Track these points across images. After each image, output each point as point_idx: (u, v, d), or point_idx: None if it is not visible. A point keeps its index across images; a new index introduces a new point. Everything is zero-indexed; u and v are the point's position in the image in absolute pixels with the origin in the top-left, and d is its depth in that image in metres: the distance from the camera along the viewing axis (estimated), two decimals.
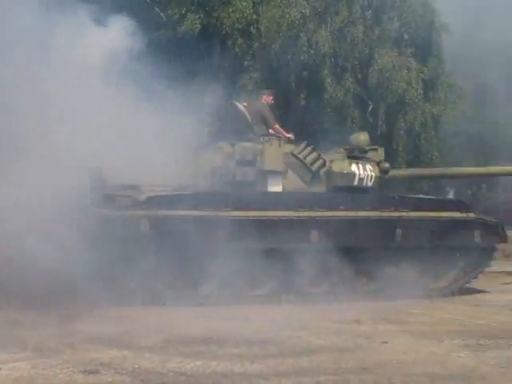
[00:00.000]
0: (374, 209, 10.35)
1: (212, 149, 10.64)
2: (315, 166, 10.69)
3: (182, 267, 9.22)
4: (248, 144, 10.55)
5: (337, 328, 8.02)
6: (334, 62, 18.70)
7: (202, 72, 14.29)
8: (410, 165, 17.93)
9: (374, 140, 13.42)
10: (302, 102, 18.60)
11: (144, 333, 7.34)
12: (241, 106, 11.09)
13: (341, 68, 18.65)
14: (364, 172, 10.99)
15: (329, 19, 18.63)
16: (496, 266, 12.34)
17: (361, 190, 10.91)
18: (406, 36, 19.11)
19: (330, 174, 10.79)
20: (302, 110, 17.98)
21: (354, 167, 10.91)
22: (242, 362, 6.18)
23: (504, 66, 25.21)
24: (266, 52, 17.66)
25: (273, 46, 17.61)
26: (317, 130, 17.55)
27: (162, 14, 16.95)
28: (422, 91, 18.98)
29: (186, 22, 16.67)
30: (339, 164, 10.89)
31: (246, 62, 17.51)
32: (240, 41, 17.45)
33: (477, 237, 10.76)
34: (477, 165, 21.24)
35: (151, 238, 9.02)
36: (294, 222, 9.84)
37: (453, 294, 10.88)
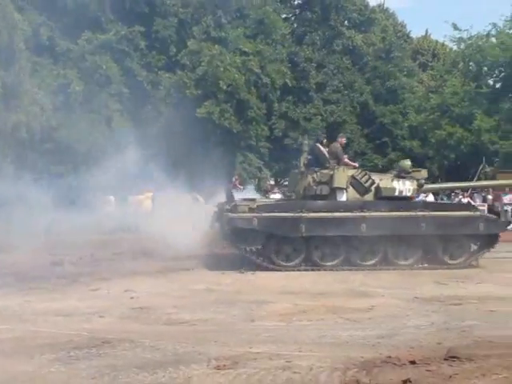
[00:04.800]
0: (405, 210, 15.53)
1: (305, 175, 16.20)
2: (367, 184, 15.79)
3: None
4: (326, 171, 15.93)
5: None
6: None
7: None
8: None
9: None
10: None
11: None
12: (322, 148, 16.31)
13: None
14: (403, 186, 15.99)
15: None
16: None
17: (400, 198, 15.92)
18: None
19: (377, 189, 15.87)
20: None
21: (395, 183, 16.03)
22: None
23: None
24: None
25: None
26: None
27: None
28: None
29: None
30: (384, 182, 16.06)
31: None
32: None
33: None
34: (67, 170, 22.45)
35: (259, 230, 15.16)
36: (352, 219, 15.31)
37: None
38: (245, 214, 15.23)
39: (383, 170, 27.62)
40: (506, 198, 28.43)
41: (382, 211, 15.44)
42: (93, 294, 11.89)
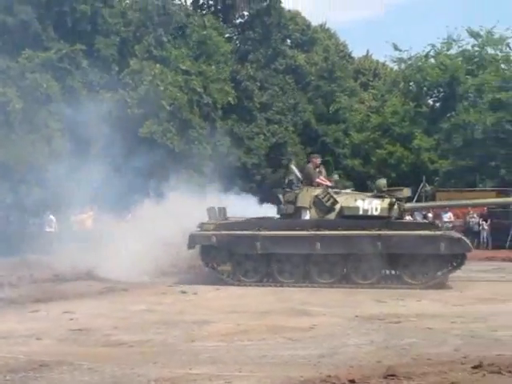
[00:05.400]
0: (362, 229, 15.34)
1: (282, 194, 16.79)
2: (328, 203, 15.96)
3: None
4: (297, 190, 16.43)
5: None
6: None
7: None
8: None
9: None
10: None
11: None
12: (295, 169, 17.23)
13: None
14: (369, 205, 15.86)
15: None
16: None
17: (366, 217, 15.73)
18: None
19: (340, 208, 16.00)
20: None
21: (358, 202, 16.01)
22: None
23: None
24: None
25: None
26: None
27: None
28: None
29: None
30: (347, 201, 16.14)
31: None
32: None
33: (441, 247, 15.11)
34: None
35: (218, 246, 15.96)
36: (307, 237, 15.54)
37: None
38: (205, 232, 16.06)
39: None
40: (446, 216, 29.00)
41: (338, 230, 15.48)
42: (32, 315, 11.68)
